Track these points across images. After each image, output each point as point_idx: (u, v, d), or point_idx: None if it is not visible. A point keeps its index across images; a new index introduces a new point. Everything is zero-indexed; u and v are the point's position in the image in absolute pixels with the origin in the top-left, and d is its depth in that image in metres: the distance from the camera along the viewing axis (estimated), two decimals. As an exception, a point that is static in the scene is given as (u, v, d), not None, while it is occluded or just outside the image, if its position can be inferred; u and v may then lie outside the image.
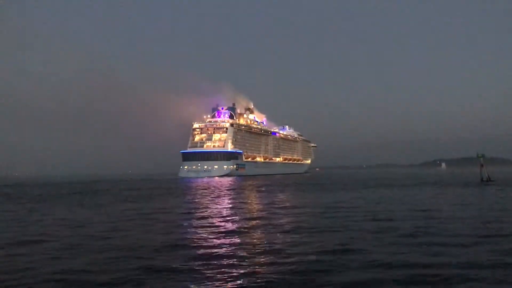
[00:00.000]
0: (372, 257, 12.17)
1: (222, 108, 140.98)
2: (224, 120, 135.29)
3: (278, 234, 16.89)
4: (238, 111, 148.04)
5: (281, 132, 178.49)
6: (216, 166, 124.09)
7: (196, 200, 34.90)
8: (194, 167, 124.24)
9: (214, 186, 60.14)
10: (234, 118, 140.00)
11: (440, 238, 15.36)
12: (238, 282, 9.99)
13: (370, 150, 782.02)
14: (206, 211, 26.46)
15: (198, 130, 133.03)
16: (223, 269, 11.11)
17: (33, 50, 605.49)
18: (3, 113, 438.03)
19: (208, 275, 10.64)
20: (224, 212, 25.49)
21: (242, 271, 10.93)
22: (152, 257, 12.81)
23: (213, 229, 18.49)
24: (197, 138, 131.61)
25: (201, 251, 13.71)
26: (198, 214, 25.00)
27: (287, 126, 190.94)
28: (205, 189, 53.48)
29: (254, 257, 12.57)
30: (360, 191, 46.77)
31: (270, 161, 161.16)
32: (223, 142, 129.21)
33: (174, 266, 11.61)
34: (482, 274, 10.20)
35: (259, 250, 13.64)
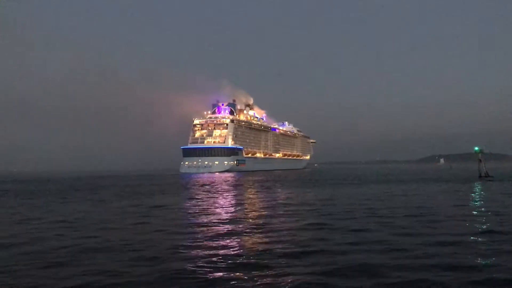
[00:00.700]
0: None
1: (222, 104, 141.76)
2: (225, 116, 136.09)
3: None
4: (238, 107, 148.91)
5: (280, 128, 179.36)
6: (216, 162, 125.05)
7: (196, 196, 35.07)
8: (195, 162, 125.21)
9: (214, 182, 60.80)
10: (234, 114, 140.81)
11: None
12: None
13: (369, 146, 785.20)
14: (206, 207, 26.30)
15: (198, 126, 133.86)
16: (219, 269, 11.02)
17: (33, 47, 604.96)
18: (1, 109, 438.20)
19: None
20: (225, 209, 25.10)
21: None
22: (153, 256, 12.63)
23: (212, 228, 17.89)
24: (197, 134, 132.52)
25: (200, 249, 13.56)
26: (197, 210, 24.60)
27: (286, 122, 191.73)
28: (206, 184, 53.98)
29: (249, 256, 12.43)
30: (355, 187, 47.57)
31: (270, 157, 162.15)
32: (223, 138, 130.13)
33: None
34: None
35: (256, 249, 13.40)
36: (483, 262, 11.18)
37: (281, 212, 22.91)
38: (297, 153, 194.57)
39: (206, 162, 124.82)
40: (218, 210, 24.40)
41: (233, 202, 29.92)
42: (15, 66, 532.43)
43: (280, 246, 13.62)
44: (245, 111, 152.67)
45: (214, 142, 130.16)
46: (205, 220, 20.17)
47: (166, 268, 11.05)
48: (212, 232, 16.57)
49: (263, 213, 22.90)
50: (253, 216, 21.59)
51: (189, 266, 11.23)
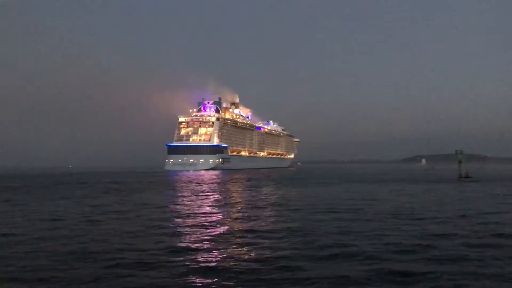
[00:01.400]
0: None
1: (208, 102, 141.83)
2: (210, 114, 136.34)
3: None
4: (224, 105, 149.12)
5: (265, 126, 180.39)
6: (202, 160, 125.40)
7: (180, 194, 34.90)
8: (180, 160, 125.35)
9: (199, 180, 61.18)
10: (220, 112, 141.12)
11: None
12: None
13: (352, 146, 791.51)
14: (189, 205, 26.19)
15: (184, 123, 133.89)
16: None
17: (20, 44, 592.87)
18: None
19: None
20: (208, 207, 25.12)
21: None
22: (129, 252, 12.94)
23: (194, 226, 17.93)
24: (183, 131, 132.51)
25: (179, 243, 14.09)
26: (180, 208, 24.55)
27: (271, 121, 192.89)
28: (190, 182, 54.34)
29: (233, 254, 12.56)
30: (334, 186, 48.63)
31: (255, 155, 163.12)
32: (209, 136, 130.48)
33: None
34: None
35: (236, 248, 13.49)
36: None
37: (262, 212, 23.11)
38: (282, 152, 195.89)
39: (191, 160, 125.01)
40: (200, 209, 24.26)
41: (217, 200, 29.85)
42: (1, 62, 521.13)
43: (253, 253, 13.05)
44: (230, 110, 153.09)
45: (199, 140, 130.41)
46: (183, 220, 19.85)
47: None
48: (193, 234, 16.25)
49: (244, 213, 22.42)
50: (235, 216, 21.38)
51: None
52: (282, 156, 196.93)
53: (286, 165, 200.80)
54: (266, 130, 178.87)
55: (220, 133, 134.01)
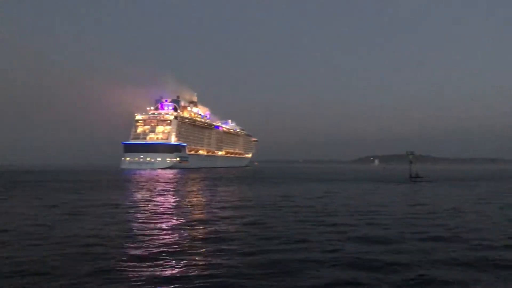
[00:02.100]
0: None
1: (166, 100, 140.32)
2: (168, 112, 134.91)
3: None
4: (182, 103, 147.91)
5: (224, 126, 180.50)
6: (159, 159, 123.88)
7: (135, 193, 33.91)
8: (137, 159, 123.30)
9: (156, 179, 60.55)
10: (178, 110, 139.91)
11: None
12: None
13: (308, 146, 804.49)
14: (144, 204, 25.40)
15: (141, 121, 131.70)
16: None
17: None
18: None
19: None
20: (163, 207, 24.25)
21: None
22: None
23: (148, 225, 17.31)
24: (140, 129, 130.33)
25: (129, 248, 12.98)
26: (135, 208, 23.71)
27: (229, 120, 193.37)
28: (146, 181, 53.50)
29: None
30: (290, 185, 49.77)
31: (213, 154, 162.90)
32: (166, 135, 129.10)
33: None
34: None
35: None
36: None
37: (216, 211, 22.59)
38: (240, 151, 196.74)
39: (148, 159, 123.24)
40: (154, 208, 23.52)
41: (172, 200, 29.11)
42: None
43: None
44: (189, 108, 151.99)
45: (157, 138, 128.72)
46: (134, 219, 19.16)
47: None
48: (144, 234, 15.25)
49: (199, 215, 21.55)
50: (189, 218, 20.21)
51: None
52: (240, 156, 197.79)
53: (244, 165, 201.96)
54: (225, 129, 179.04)
55: (178, 132, 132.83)
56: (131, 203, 26.33)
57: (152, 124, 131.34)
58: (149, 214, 20.73)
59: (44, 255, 11.57)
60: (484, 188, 45.39)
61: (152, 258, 11.44)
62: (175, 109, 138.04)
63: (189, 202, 27.75)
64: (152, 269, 10.35)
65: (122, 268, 10.32)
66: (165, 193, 34.74)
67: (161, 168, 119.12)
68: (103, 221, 18.46)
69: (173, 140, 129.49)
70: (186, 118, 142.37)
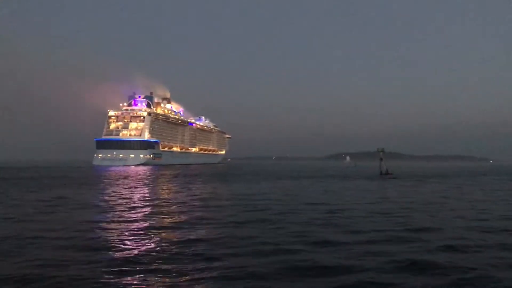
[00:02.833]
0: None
1: (139, 97, 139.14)
2: (142, 108, 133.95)
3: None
4: (156, 100, 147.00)
5: (197, 122, 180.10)
6: (132, 155, 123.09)
7: (106, 190, 33.44)
8: (109, 155, 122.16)
9: (128, 175, 60.30)
10: (152, 107, 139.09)
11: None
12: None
13: (281, 143, 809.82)
14: (116, 201, 25.02)
15: (114, 118, 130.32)
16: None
17: None
18: None
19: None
20: (134, 203, 23.96)
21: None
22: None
23: (119, 224, 16.99)
24: (112, 126, 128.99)
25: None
26: (104, 205, 23.38)
27: (203, 117, 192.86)
28: (119, 178, 53.21)
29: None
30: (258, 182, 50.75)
31: (186, 151, 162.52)
32: (140, 131, 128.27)
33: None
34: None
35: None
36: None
37: (190, 210, 21.79)
38: (213, 148, 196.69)
39: (121, 155, 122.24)
40: (125, 205, 23.19)
41: (144, 196, 28.76)
42: None
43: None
44: (162, 105, 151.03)
45: (130, 134, 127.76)
46: (106, 217, 18.97)
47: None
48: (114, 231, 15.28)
49: (170, 210, 21.43)
50: (162, 212, 20.38)
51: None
52: (214, 152, 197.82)
53: (217, 161, 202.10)
54: (198, 126, 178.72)
55: (151, 128, 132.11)
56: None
57: (125, 120, 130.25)
58: (113, 213, 19.95)
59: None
60: (446, 184, 47.54)
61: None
62: (148, 106, 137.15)
63: (159, 199, 27.54)
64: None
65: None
66: (136, 190, 33.70)
67: (134, 165, 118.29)
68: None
69: (146, 136, 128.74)
70: (159, 114, 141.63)
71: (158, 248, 12.46)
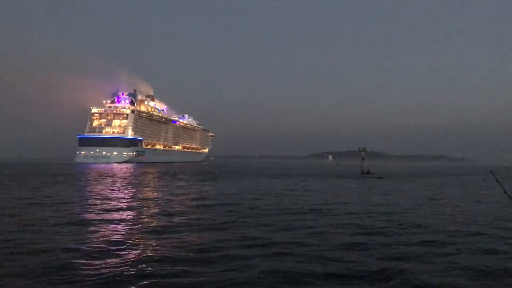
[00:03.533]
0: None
1: (123, 94, 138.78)
2: (125, 106, 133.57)
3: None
4: (139, 97, 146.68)
5: (181, 120, 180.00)
6: (115, 153, 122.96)
7: (89, 188, 32.94)
8: (92, 152, 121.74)
9: (111, 173, 60.34)
10: (135, 104, 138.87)
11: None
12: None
13: (265, 142, 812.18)
14: (98, 200, 24.43)
15: (97, 115, 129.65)
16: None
17: None
18: None
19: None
20: (117, 202, 23.31)
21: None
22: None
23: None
24: (95, 123, 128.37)
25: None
26: (88, 203, 22.52)
27: (186, 115, 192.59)
28: (101, 175, 53.19)
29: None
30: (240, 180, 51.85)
31: (170, 149, 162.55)
32: (123, 129, 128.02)
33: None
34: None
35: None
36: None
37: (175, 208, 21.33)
38: (197, 146, 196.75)
39: (104, 152, 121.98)
40: (108, 203, 22.68)
41: (128, 194, 28.26)
42: None
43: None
44: (146, 102, 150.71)
45: (113, 132, 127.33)
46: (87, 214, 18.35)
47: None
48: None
49: (152, 210, 20.48)
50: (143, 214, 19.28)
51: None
52: (197, 151, 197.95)
53: (200, 159, 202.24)
54: (182, 124, 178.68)
55: (134, 126, 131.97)
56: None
57: (108, 117, 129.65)
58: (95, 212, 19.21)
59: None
60: (422, 184, 49.31)
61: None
62: (132, 103, 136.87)
63: (142, 196, 27.69)
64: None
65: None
66: (119, 189, 33.07)
67: (117, 162, 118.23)
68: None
69: (129, 134, 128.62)
70: (143, 112, 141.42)
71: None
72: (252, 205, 23.15)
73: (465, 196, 30.54)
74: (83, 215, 18.37)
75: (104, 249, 11.67)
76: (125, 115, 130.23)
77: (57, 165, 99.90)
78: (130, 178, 49.14)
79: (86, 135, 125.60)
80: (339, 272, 9.57)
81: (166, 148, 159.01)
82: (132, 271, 9.55)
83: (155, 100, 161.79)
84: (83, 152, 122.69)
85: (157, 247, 12.00)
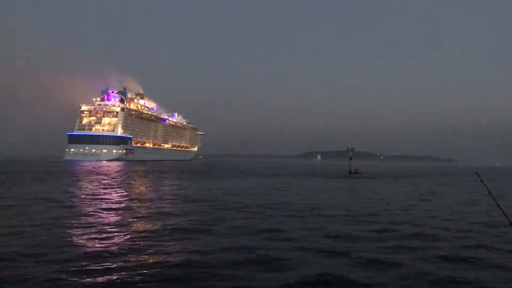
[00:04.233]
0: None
1: (113, 92, 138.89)
2: (115, 104, 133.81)
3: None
4: (129, 95, 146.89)
5: (170, 119, 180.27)
6: (105, 150, 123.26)
7: (78, 186, 32.48)
8: (82, 150, 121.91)
9: (101, 170, 60.47)
10: (125, 102, 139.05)
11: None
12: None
13: (253, 141, 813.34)
14: (86, 197, 24.04)
15: (86, 112, 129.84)
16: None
17: None
18: None
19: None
20: (107, 200, 22.70)
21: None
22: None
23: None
24: (85, 120, 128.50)
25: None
26: (74, 201, 21.94)
27: (176, 113, 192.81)
28: (91, 173, 53.33)
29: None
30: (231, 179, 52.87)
31: (159, 147, 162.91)
32: (113, 126, 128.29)
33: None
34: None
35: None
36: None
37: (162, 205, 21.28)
38: (186, 145, 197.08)
39: (93, 150, 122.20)
40: (96, 202, 22.08)
41: (118, 192, 27.86)
42: None
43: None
44: (135, 100, 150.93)
45: (102, 130, 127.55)
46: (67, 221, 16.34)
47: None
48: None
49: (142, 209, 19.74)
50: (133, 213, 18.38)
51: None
52: (186, 149, 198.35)
53: (190, 158, 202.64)
54: (171, 123, 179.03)
55: (124, 124, 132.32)
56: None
57: (98, 115, 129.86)
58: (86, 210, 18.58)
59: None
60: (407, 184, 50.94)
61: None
62: (121, 101, 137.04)
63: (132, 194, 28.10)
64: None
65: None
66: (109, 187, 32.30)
67: (107, 160, 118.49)
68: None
69: (119, 132, 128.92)
70: (132, 110, 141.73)
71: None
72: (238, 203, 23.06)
73: (454, 196, 32.01)
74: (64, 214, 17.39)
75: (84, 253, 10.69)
76: (115, 113, 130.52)
77: (46, 162, 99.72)
78: (118, 176, 48.86)
79: (76, 132, 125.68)
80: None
81: (156, 146, 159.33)
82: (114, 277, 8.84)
83: (145, 98, 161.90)
84: (72, 150, 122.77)
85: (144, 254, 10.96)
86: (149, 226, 14.95)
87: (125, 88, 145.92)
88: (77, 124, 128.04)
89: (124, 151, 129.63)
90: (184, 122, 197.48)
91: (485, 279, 9.05)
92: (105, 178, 44.11)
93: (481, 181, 7.92)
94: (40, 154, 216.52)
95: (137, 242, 12.15)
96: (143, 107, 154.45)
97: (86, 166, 78.22)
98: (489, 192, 7.45)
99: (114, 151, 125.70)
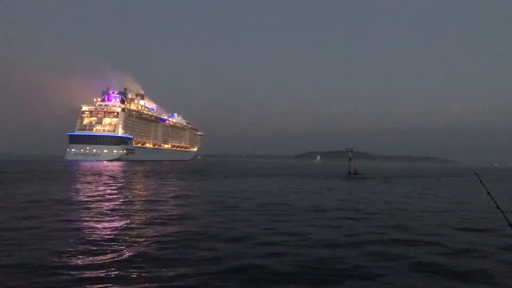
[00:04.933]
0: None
1: (113, 92, 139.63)
2: (116, 104, 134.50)
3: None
4: (129, 96, 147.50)
5: (170, 119, 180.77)
6: (105, 150, 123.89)
7: (78, 186, 32.55)
8: (82, 150, 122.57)
9: (102, 170, 60.58)
10: (125, 103, 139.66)
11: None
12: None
13: (253, 141, 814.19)
14: (86, 197, 24.09)
15: (87, 113, 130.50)
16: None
17: None
18: None
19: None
20: (105, 200, 22.59)
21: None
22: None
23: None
24: (86, 121, 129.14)
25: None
26: (74, 200, 22.27)
27: (176, 114, 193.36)
28: (93, 173, 53.33)
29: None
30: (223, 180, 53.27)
31: (159, 147, 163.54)
32: (113, 127, 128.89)
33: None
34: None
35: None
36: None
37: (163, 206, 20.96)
38: (186, 145, 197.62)
39: (94, 150, 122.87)
40: (97, 201, 22.07)
41: (119, 192, 28.09)
42: None
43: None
44: (136, 101, 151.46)
45: (103, 130, 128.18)
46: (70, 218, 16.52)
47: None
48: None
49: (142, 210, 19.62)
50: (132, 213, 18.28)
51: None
52: (186, 149, 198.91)
53: (189, 158, 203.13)
54: (171, 123, 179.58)
55: (125, 124, 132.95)
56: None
57: (99, 115, 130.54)
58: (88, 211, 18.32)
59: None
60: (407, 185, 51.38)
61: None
62: (122, 101, 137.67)
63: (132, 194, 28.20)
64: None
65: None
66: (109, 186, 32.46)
67: (107, 160, 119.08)
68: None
69: (120, 132, 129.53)
70: (133, 110, 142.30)
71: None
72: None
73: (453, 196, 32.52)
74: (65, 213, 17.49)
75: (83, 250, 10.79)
76: (116, 113, 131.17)
77: (47, 162, 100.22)
78: (119, 176, 48.84)
79: (77, 132, 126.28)
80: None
81: (156, 146, 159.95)
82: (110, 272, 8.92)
83: (145, 99, 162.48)
84: (73, 150, 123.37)
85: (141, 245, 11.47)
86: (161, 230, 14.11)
87: (125, 89, 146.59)
88: (78, 124, 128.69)
89: (124, 151, 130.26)
90: (184, 122, 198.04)
91: (485, 279, 9.28)
92: (109, 179, 43.65)
93: (480, 181, 7.91)
94: (41, 154, 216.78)
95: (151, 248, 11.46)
96: (143, 108, 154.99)
97: (87, 166, 78.50)
98: (488, 193, 7.53)
99: (115, 151, 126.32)
